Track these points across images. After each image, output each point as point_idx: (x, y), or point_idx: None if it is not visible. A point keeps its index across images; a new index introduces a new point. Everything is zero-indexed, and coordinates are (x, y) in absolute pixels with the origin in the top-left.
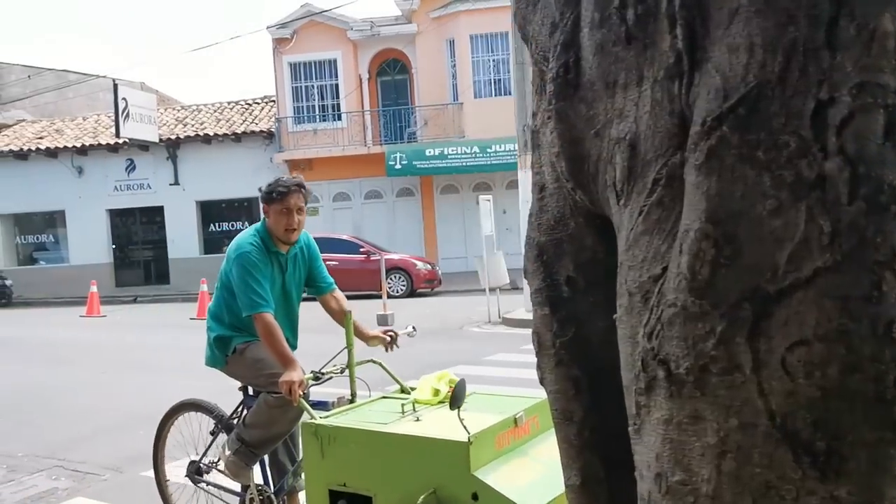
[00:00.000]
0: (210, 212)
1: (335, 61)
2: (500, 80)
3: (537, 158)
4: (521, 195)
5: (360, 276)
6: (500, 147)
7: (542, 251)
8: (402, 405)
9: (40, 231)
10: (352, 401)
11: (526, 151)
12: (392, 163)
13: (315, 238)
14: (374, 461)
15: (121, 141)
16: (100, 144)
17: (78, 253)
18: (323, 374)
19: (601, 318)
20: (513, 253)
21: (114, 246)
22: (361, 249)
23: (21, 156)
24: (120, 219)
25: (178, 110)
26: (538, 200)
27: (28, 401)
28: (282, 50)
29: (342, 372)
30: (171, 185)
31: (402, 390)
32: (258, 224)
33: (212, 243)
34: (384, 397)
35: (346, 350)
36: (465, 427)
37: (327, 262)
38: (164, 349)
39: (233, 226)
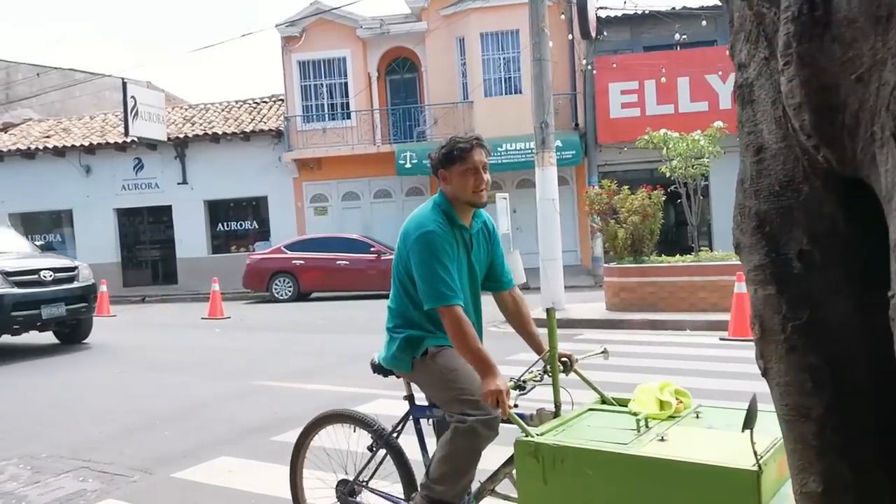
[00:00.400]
0: (218, 211)
1: (344, 59)
2: (510, 78)
3: (750, 115)
4: (538, 192)
5: (371, 276)
6: (511, 146)
7: (764, 221)
8: (637, 421)
9: (47, 230)
10: (556, 414)
11: (543, 149)
12: (402, 162)
13: (325, 238)
14: (619, 489)
15: (128, 140)
16: (107, 143)
17: (85, 252)
18: (524, 382)
19: (843, 298)
20: (525, 253)
21: (121, 245)
22: (372, 249)
23: (28, 155)
24: (127, 218)
25: (186, 109)
26: (755, 163)
27: (46, 400)
28: (291, 48)
29: (541, 380)
30: (179, 184)
31: (604, 401)
32: (435, 197)
33: (220, 243)
34: (591, 409)
35: (544, 354)
36: (754, 451)
37: (337, 262)
38: (180, 349)
39: (241, 225)
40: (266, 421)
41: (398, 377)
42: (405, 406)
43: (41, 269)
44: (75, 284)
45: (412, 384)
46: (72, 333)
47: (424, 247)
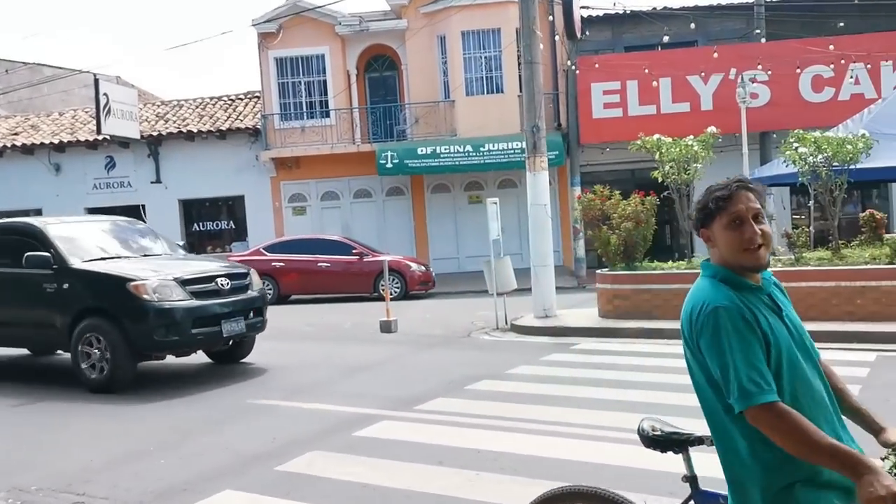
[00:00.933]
0: (193, 211)
1: (323, 57)
2: (492, 77)
3: None
4: (529, 197)
5: (352, 278)
6: (493, 146)
7: None
8: None
9: None
10: None
11: (535, 153)
12: (383, 161)
13: (305, 239)
14: None
15: (100, 138)
16: (78, 141)
17: None
18: None
19: None
20: (509, 254)
21: None
22: (354, 251)
23: None
24: None
25: (159, 106)
26: None
27: (34, 422)
28: (268, 45)
29: None
30: (152, 183)
31: None
32: (704, 270)
33: (195, 242)
34: None
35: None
36: None
37: (318, 264)
38: (160, 361)
39: (217, 225)
40: (267, 447)
41: (676, 453)
42: (415, 430)
43: (217, 276)
44: (250, 294)
45: (692, 460)
46: (232, 351)
47: (716, 328)
